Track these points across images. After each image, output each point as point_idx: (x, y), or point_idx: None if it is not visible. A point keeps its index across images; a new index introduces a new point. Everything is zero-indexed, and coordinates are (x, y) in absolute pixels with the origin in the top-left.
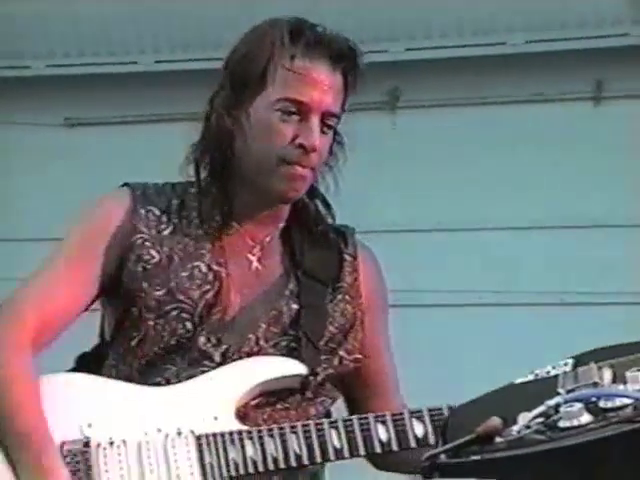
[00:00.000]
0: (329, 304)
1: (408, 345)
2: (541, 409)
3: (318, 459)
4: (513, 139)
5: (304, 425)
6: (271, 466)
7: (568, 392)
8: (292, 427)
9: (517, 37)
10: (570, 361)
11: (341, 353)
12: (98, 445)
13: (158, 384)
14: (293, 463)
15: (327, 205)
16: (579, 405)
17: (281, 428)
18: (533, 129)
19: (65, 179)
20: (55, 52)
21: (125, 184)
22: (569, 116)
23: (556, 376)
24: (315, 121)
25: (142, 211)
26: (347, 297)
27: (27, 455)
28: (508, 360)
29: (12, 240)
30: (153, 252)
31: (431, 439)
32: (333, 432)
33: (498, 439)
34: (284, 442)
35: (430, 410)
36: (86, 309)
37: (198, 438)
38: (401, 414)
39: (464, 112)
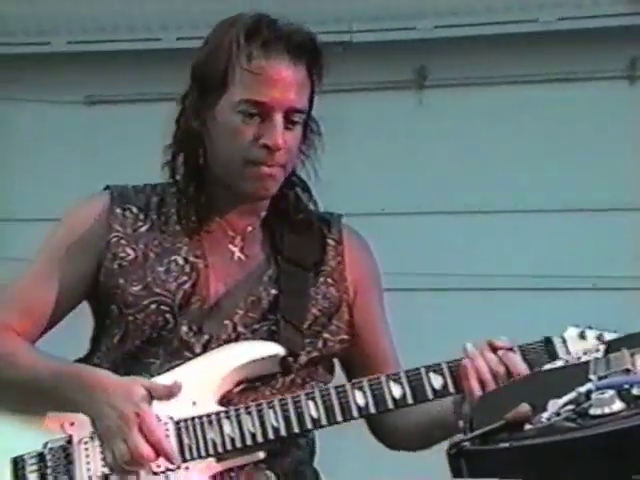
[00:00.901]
0: (311, 288)
1: (435, 329)
2: (572, 396)
3: (296, 429)
4: (544, 119)
5: (281, 400)
6: (249, 441)
7: (600, 379)
8: (269, 402)
9: (549, 14)
10: (602, 347)
11: (325, 335)
12: (79, 441)
13: None
14: (271, 436)
15: (308, 192)
16: (611, 392)
17: (258, 404)
18: (565, 109)
19: (85, 157)
20: (76, 29)
21: (107, 187)
22: (603, 95)
23: (587, 362)
24: (278, 120)
25: (118, 210)
26: (330, 280)
27: (76, 395)
28: None
29: (35, 220)
30: (128, 250)
31: (409, 399)
32: (310, 403)
33: (527, 426)
34: (261, 417)
35: (407, 372)
36: (71, 309)
37: (177, 423)
38: (377, 377)
39: (493, 91)
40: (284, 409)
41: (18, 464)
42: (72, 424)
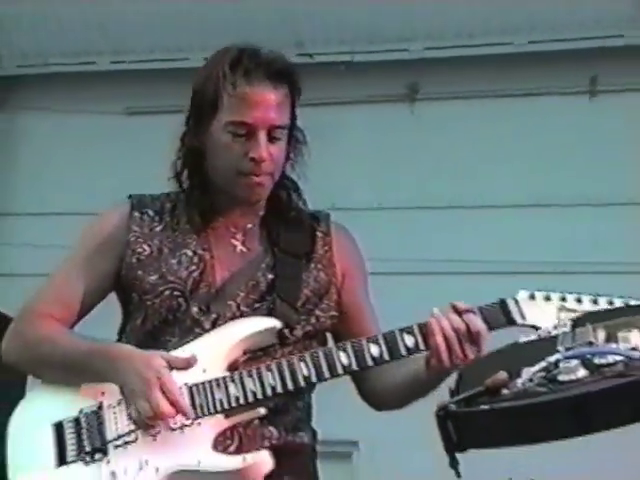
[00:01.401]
0: (303, 273)
1: (421, 305)
2: (543, 365)
3: (290, 387)
4: (519, 127)
5: (278, 363)
6: (250, 398)
7: (567, 350)
8: (267, 366)
9: (521, 38)
10: (568, 322)
11: (317, 313)
12: (108, 406)
13: None
14: (269, 393)
15: (298, 192)
16: (576, 361)
17: (258, 368)
18: (536, 118)
19: (124, 159)
20: (118, 50)
21: (129, 196)
22: (568, 107)
23: (556, 336)
24: (261, 136)
25: (137, 214)
26: (320, 266)
27: (106, 367)
28: None
29: (77, 214)
30: (145, 246)
31: (386, 356)
32: (302, 364)
33: (504, 391)
34: (261, 378)
35: (384, 334)
36: (100, 299)
37: (190, 387)
38: (359, 340)
39: (475, 104)
40: (280, 370)
41: (58, 428)
42: (102, 393)
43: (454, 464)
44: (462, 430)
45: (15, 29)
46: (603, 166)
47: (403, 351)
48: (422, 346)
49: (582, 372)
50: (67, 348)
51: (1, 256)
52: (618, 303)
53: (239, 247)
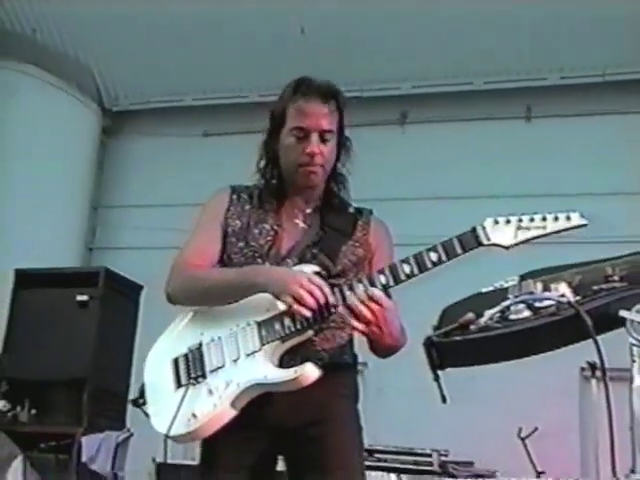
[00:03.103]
0: (343, 246)
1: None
2: (499, 308)
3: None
4: (475, 142)
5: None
6: (299, 327)
7: (515, 297)
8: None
9: (479, 79)
10: (516, 278)
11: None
12: (206, 344)
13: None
14: (311, 321)
15: (344, 185)
16: (522, 305)
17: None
18: (488, 136)
19: (202, 167)
20: (196, 90)
21: (230, 185)
22: (511, 128)
23: (507, 288)
24: (314, 137)
25: (234, 197)
26: (357, 244)
27: (259, 278)
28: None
29: (169, 206)
30: (237, 221)
31: (391, 283)
32: (331, 296)
33: (472, 327)
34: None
35: (389, 267)
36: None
37: (259, 324)
38: (372, 274)
39: (448, 127)
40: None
41: (175, 362)
42: (202, 334)
43: (436, 378)
44: (442, 355)
45: (126, 77)
46: (535, 168)
47: (403, 277)
48: (416, 270)
49: (526, 313)
50: (221, 278)
51: (120, 235)
52: (561, 217)
53: (300, 225)
